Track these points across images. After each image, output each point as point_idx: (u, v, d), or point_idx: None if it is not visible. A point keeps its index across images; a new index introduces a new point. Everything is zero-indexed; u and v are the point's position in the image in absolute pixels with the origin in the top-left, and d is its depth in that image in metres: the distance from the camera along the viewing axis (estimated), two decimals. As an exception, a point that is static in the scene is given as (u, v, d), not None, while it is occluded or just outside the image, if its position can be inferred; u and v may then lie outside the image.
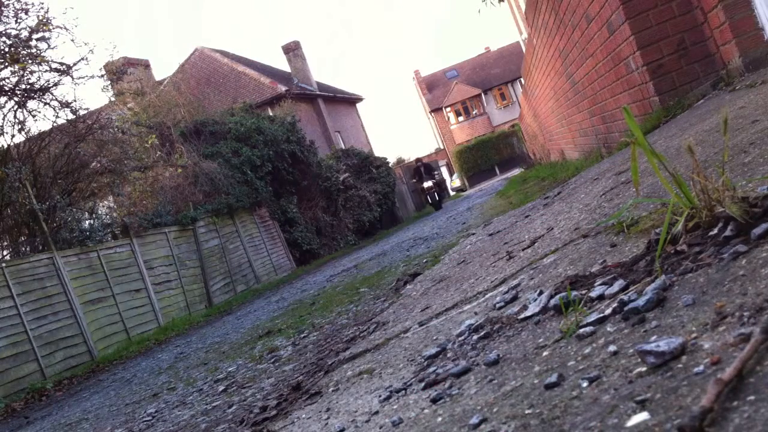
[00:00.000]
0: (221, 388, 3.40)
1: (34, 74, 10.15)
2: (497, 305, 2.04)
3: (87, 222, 11.15)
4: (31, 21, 9.82)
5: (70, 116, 10.69)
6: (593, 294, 1.52)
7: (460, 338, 1.87)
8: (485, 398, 1.30)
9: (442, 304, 2.68)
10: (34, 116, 10.43)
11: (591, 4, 5.33)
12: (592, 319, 1.37)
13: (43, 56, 9.97)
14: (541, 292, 1.81)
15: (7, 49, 9.54)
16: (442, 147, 54.86)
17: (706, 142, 2.57)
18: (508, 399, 1.22)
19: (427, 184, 23.80)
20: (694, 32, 4.37)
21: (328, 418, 1.82)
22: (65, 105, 10.50)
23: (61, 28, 10.15)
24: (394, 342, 2.39)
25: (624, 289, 1.45)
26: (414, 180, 25.38)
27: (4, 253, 9.73)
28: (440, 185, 25.11)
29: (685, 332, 1.08)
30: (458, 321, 2.12)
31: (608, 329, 1.30)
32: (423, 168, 24.33)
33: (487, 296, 2.35)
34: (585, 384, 1.10)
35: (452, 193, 42.09)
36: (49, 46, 10.00)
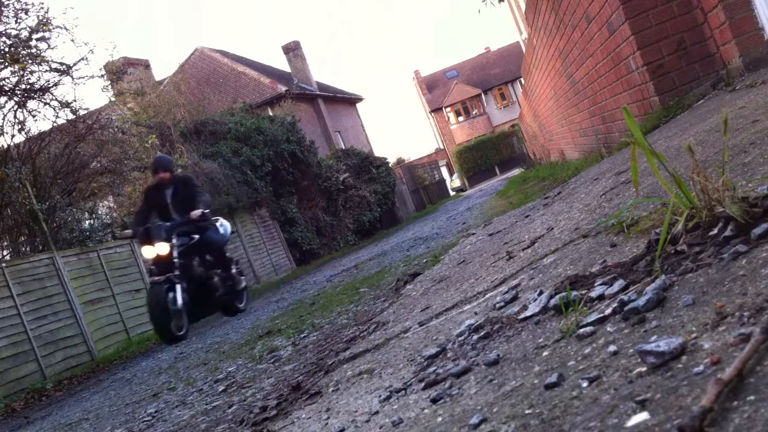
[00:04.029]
0: (221, 388, 3.40)
1: (34, 74, 10.16)
2: (497, 305, 2.04)
3: (87, 222, 11.16)
4: (31, 21, 9.82)
5: (70, 116, 10.69)
6: (593, 294, 1.52)
7: (460, 338, 1.87)
8: (485, 398, 1.30)
9: (442, 304, 2.68)
10: (34, 116, 10.43)
11: (591, 4, 5.33)
12: (592, 319, 1.37)
13: (43, 56, 9.97)
14: (541, 292, 1.81)
15: (7, 49, 9.54)
16: (442, 147, 54.89)
17: (706, 142, 2.57)
18: (508, 399, 1.22)
19: (154, 250, 7.21)
20: (694, 32, 4.37)
21: (328, 418, 1.82)
22: (65, 105, 10.50)
23: (61, 28, 10.16)
24: (394, 342, 2.38)
25: (624, 289, 1.45)
26: (132, 232, 7.81)
27: (4, 253, 9.72)
28: (211, 245, 7.92)
29: (685, 332, 1.08)
30: (458, 321, 2.12)
31: (608, 329, 1.30)
32: (173, 189, 7.73)
33: (487, 296, 2.35)
34: (585, 384, 1.10)
35: (452, 194, 42.05)
36: (49, 46, 10.00)
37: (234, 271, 8.37)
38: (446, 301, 2.72)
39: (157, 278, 7.16)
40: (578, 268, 1.89)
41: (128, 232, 8.11)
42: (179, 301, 7.11)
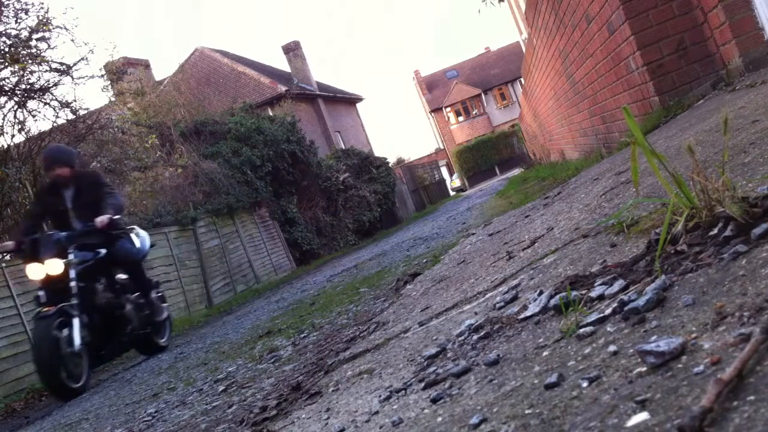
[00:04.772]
0: (221, 388, 3.40)
1: (34, 74, 10.17)
2: (497, 305, 2.04)
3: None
4: (31, 21, 9.84)
5: (70, 116, 10.71)
6: (593, 294, 1.52)
7: (460, 338, 1.87)
8: (485, 398, 1.30)
9: (442, 304, 2.68)
10: (34, 116, 10.44)
11: (591, 4, 5.33)
12: (592, 319, 1.37)
13: (43, 56, 9.98)
14: (541, 292, 1.81)
15: (7, 49, 9.54)
16: (442, 147, 54.90)
17: (706, 142, 2.57)
18: (508, 399, 1.22)
19: (43, 269, 5.47)
20: (694, 32, 4.37)
21: (328, 418, 1.82)
22: (65, 105, 10.51)
23: (61, 28, 10.17)
24: (394, 342, 2.38)
25: (624, 289, 1.45)
26: (13, 244, 5.82)
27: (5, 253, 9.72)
28: (123, 261, 6.23)
29: (685, 332, 1.08)
30: (458, 321, 2.12)
31: (608, 329, 1.30)
32: (74, 189, 5.96)
33: (487, 296, 2.35)
34: (585, 384, 1.10)
35: (452, 194, 42.06)
36: (49, 46, 10.02)
37: (154, 296, 6.62)
38: (446, 301, 2.72)
39: (46, 309, 5.28)
40: (578, 268, 1.89)
41: (9, 244, 5.95)
42: (76, 341, 5.30)
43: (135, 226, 6.75)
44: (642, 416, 0.89)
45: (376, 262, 8.48)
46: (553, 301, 1.65)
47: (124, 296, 6.20)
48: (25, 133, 10.34)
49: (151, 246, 6.94)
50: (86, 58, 10.66)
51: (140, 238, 6.47)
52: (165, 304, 6.98)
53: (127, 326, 6.10)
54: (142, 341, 6.54)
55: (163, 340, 6.75)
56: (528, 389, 1.22)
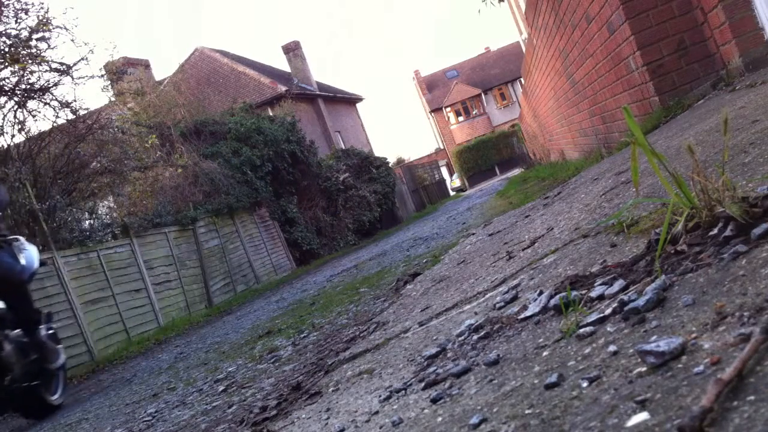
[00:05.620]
0: (221, 388, 3.40)
1: (34, 74, 10.19)
2: (497, 305, 2.04)
3: (87, 222, 11.17)
4: (31, 21, 9.86)
5: (70, 116, 10.72)
6: (593, 294, 1.51)
7: (460, 338, 1.87)
8: (485, 398, 1.30)
9: (442, 304, 2.68)
10: (34, 116, 10.46)
11: (591, 4, 5.33)
12: (592, 319, 1.37)
13: (43, 56, 9.99)
14: (541, 292, 1.81)
15: (7, 49, 9.54)
16: (442, 147, 54.89)
17: (706, 142, 2.57)
18: (508, 399, 1.22)
19: None
20: (694, 32, 4.37)
21: (328, 418, 1.82)
22: (65, 105, 10.53)
23: (61, 28, 10.19)
24: (394, 342, 2.38)
25: (624, 289, 1.45)
26: None
27: (4, 253, 9.69)
28: (4, 279, 4.43)
29: (685, 332, 1.08)
30: (458, 321, 2.12)
31: (608, 329, 1.30)
32: None
33: (487, 296, 2.35)
34: (585, 384, 1.10)
35: (452, 194, 42.05)
36: (49, 46, 10.04)
37: (44, 334, 4.97)
38: (446, 301, 2.72)
39: None
40: (578, 268, 1.89)
41: None
42: None
43: (19, 237, 5.03)
44: (642, 416, 0.89)
45: (376, 262, 8.48)
46: (553, 301, 1.65)
47: (1, 332, 4.40)
48: (25, 133, 10.36)
49: (42, 264, 5.23)
50: (86, 58, 10.69)
51: (25, 252, 4.84)
52: (59, 346, 5.28)
53: (5, 376, 4.32)
54: (25, 398, 4.65)
55: (55, 397, 4.95)
56: (528, 389, 1.22)
